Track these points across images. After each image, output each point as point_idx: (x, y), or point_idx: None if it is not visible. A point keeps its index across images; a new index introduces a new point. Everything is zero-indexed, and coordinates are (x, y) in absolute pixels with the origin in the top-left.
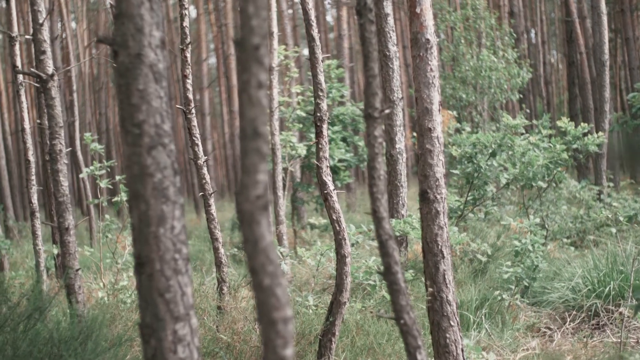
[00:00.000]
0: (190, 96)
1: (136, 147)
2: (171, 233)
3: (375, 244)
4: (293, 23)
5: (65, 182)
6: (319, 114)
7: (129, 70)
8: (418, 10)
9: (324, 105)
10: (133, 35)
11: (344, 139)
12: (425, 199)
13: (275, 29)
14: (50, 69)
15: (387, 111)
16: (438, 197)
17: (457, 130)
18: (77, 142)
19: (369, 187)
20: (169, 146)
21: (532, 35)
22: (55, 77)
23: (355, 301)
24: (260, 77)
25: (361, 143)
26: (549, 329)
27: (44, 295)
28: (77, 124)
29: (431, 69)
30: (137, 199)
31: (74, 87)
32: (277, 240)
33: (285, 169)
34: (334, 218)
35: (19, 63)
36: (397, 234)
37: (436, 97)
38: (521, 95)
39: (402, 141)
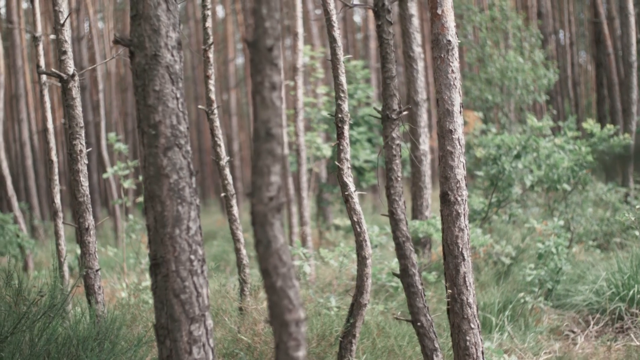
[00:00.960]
0: (213, 97)
1: (152, 148)
2: (187, 234)
3: None
4: (320, 23)
5: (85, 182)
6: (340, 115)
7: (145, 71)
8: (439, 11)
9: (345, 106)
10: (149, 37)
11: (369, 140)
12: (446, 201)
13: (300, 30)
14: (71, 69)
15: (404, 112)
16: (459, 198)
17: (483, 132)
18: (103, 142)
19: (386, 188)
20: (185, 147)
21: (561, 36)
22: (76, 77)
23: (378, 303)
24: (274, 79)
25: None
26: (572, 332)
27: (60, 295)
28: (103, 123)
29: (452, 71)
30: (153, 199)
31: (100, 87)
32: (302, 241)
33: (310, 170)
34: (355, 220)
35: (42, 63)
36: (421, 235)
37: (457, 98)
38: (549, 97)
39: (427, 142)
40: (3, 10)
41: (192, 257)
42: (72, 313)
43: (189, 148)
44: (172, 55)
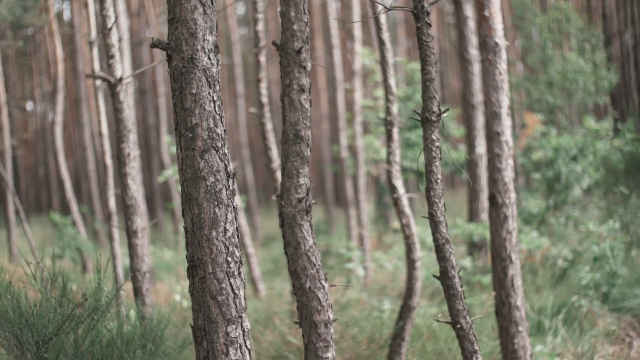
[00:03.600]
0: (264, 100)
1: (189, 151)
2: (224, 236)
3: (455, 249)
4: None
5: (133, 185)
6: (389, 118)
7: (182, 74)
8: (487, 13)
9: (394, 109)
10: (186, 40)
11: None
12: (494, 203)
13: (357, 32)
14: (118, 73)
15: (445, 115)
16: (506, 201)
17: (543, 134)
18: (164, 146)
19: (426, 191)
20: (222, 149)
21: (626, 37)
22: (124, 81)
23: (431, 306)
24: (302, 81)
25: (444, 147)
26: (629, 335)
27: (104, 297)
28: (164, 127)
29: (500, 73)
30: (190, 202)
31: (162, 91)
32: (359, 243)
33: (368, 173)
34: (404, 222)
35: (97, 67)
36: (476, 238)
37: (505, 101)
38: (611, 99)
39: (482, 145)
40: (67, 15)
41: (229, 259)
42: (117, 315)
43: (226, 150)
44: (209, 59)
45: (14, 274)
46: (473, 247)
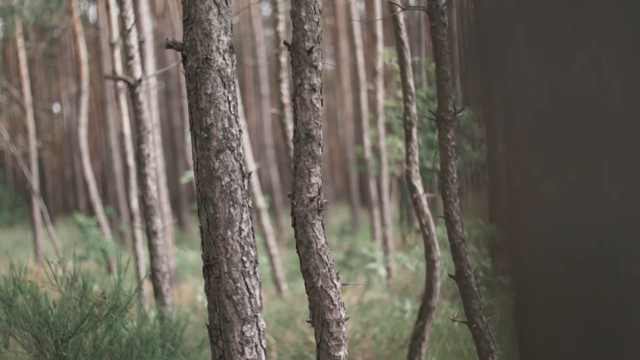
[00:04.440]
0: (285, 100)
1: (204, 151)
2: (239, 235)
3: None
4: (407, 24)
5: (153, 186)
6: (408, 118)
7: (197, 74)
8: None
9: (413, 109)
10: (201, 40)
11: None
12: None
13: (380, 32)
14: (138, 74)
15: (460, 114)
16: None
17: None
18: (189, 147)
19: (442, 190)
20: (237, 149)
21: None
22: (143, 82)
23: (452, 306)
24: (313, 81)
25: (467, 147)
26: None
27: (122, 296)
28: (188, 128)
29: None
30: (205, 201)
31: (186, 92)
32: (382, 243)
33: (392, 174)
34: (423, 222)
35: (119, 69)
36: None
37: None
38: None
39: None
40: (93, 17)
41: (244, 258)
42: (137, 315)
43: (241, 151)
44: (224, 59)
45: (37, 274)
46: (495, 248)
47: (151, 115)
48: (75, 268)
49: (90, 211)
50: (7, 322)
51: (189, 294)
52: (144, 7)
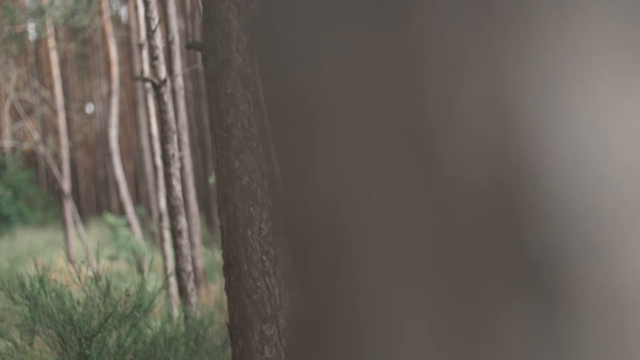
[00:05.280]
0: None
1: (224, 151)
2: (259, 235)
3: None
4: None
5: (178, 186)
6: None
7: (217, 74)
8: None
9: None
10: (221, 41)
11: None
12: None
13: None
14: (162, 74)
15: None
16: None
17: None
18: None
19: None
20: (256, 149)
21: None
22: (168, 83)
23: None
24: None
25: None
26: None
27: (146, 295)
28: None
29: None
30: (225, 201)
31: None
32: None
33: None
34: None
35: (146, 69)
36: None
37: None
38: None
39: None
40: (124, 17)
41: (264, 257)
42: (161, 314)
43: (260, 150)
44: (244, 59)
45: (67, 274)
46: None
47: (178, 116)
48: (100, 267)
49: (122, 211)
50: (32, 320)
51: (217, 294)
52: (172, 8)
